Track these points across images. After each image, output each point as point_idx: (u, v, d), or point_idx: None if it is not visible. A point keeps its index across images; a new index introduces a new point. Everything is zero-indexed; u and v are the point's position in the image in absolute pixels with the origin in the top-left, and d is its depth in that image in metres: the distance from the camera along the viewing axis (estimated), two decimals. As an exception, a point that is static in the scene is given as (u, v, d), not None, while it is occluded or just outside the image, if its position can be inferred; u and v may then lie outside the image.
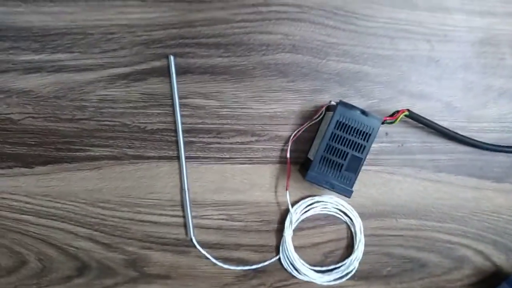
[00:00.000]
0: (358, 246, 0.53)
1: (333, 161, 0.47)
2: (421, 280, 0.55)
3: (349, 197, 0.47)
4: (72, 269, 0.55)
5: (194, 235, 0.53)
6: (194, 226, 0.54)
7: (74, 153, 0.53)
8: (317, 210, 0.53)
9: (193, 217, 0.54)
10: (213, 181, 0.53)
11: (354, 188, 0.48)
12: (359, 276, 0.55)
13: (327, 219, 0.54)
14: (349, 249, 0.54)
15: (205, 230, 0.54)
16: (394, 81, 0.52)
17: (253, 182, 0.53)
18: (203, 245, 0.54)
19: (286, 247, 0.53)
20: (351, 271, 0.53)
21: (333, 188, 0.47)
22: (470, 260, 0.55)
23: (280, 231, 0.54)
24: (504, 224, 0.54)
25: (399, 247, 0.54)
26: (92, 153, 0.53)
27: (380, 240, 0.54)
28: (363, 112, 0.46)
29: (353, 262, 0.53)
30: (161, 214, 0.54)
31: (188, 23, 0.51)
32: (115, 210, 0.54)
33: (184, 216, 0.54)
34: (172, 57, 0.51)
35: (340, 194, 0.47)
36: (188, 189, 0.53)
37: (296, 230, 0.54)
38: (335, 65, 0.52)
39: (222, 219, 0.54)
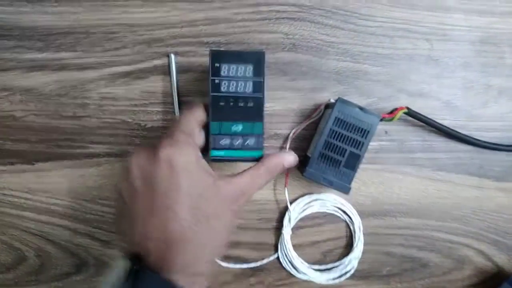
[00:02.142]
0: (357, 245, 0.53)
1: (332, 157, 0.47)
2: (422, 280, 0.55)
3: (347, 194, 0.47)
4: (71, 266, 0.55)
5: None
6: (193, 224, 0.54)
7: (75, 150, 0.53)
8: (315, 208, 0.53)
9: (192, 214, 0.54)
10: (213, 178, 0.53)
11: (354, 187, 0.47)
12: (358, 275, 0.54)
13: (326, 218, 0.54)
14: (348, 248, 0.54)
15: (204, 228, 0.54)
16: (393, 80, 0.52)
17: (252, 180, 0.53)
18: (202, 243, 0.54)
19: (285, 245, 0.53)
20: (350, 270, 0.53)
21: (331, 185, 0.47)
22: (471, 260, 0.54)
23: (279, 229, 0.54)
24: (505, 224, 0.54)
25: (399, 246, 0.54)
26: (92, 150, 0.53)
27: (379, 239, 0.54)
28: (362, 109, 0.46)
29: (352, 261, 0.53)
30: (160, 212, 0.54)
31: (189, 23, 0.52)
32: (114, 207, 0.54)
33: None
34: (173, 56, 0.51)
35: (338, 190, 0.47)
36: None
37: (294, 229, 0.54)
38: (334, 64, 0.52)
39: (221, 217, 0.54)
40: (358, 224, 0.53)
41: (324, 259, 0.54)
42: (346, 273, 0.53)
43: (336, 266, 0.54)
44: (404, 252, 0.54)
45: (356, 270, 0.54)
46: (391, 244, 0.54)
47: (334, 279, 0.53)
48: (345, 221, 0.54)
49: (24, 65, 0.52)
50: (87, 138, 0.53)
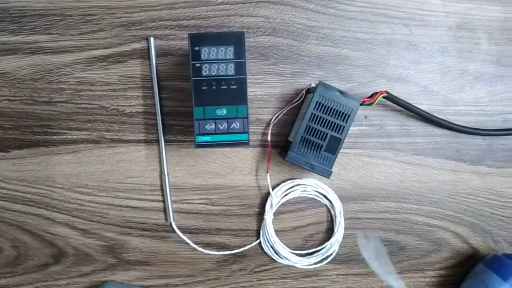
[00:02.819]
0: (338, 229, 0.53)
1: (313, 142, 0.47)
2: (400, 263, 0.56)
3: (328, 178, 0.47)
4: (48, 256, 0.54)
5: (174, 220, 0.53)
6: (174, 211, 0.53)
7: (51, 137, 0.52)
8: (297, 193, 0.53)
9: (173, 201, 0.53)
10: (194, 165, 0.53)
11: (334, 171, 0.48)
12: (339, 259, 0.55)
13: (307, 202, 0.54)
14: (329, 232, 0.54)
15: (185, 214, 0.53)
16: (373, 65, 0.53)
17: (233, 166, 0.53)
18: (183, 230, 0.53)
19: (267, 231, 0.53)
20: (332, 254, 0.54)
21: (312, 169, 0.47)
22: (448, 242, 0.56)
23: (261, 215, 0.54)
24: (480, 207, 0.55)
25: (378, 230, 0.55)
26: (69, 137, 0.52)
27: (359, 223, 0.55)
28: (342, 93, 0.46)
29: (334, 245, 0.53)
30: (140, 199, 0.53)
31: (168, 5, 0.51)
32: (93, 195, 0.53)
33: (163, 201, 0.53)
34: (152, 39, 0.50)
35: (320, 174, 0.47)
36: (167, 173, 0.52)
37: (276, 214, 0.54)
38: (315, 48, 0.52)
39: (202, 203, 0.53)
40: (338, 209, 0.53)
41: (305, 243, 0.55)
42: (327, 257, 0.54)
43: (318, 251, 0.54)
44: (383, 235, 0.55)
45: (337, 254, 0.54)
46: (370, 228, 0.55)
47: (315, 263, 0.54)
48: (326, 206, 0.54)
49: (-4, 48, 0.51)
50: (63, 124, 0.52)
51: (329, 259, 0.54)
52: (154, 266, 0.54)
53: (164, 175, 0.52)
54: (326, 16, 0.52)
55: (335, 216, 0.53)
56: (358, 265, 0.55)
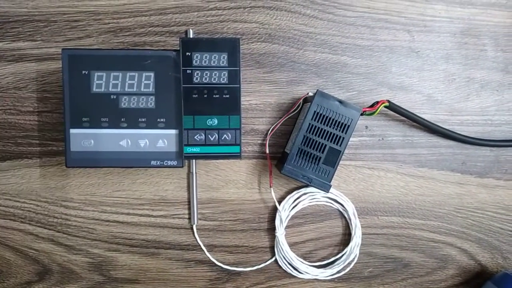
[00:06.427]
0: (355, 232, 0.50)
1: (311, 154, 0.44)
2: (404, 281, 0.53)
3: (327, 192, 0.45)
4: (32, 274, 0.51)
5: (196, 223, 0.50)
6: (164, 226, 0.50)
7: (35, 148, 0.49)
8: (305, 202, 0.50)
9: (162, 216, 0.50)
10: (185, 177, 0.50)
11: (333, 185, 0.45)
12: (339, 277, 0.52)
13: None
14: (346, 236, 0.51)
15: (176, 230, 0.51)
16: (373, 73, 0.50)
17: (227, 179, 0.50)
18: (174, 246, 0.51)
19: (281, 248, 0.50)
20: (354, 259, 0.51)
21: (310, 182, 0.44)
22: (454, 259, 0.53)
23: (256, 230, 0.51)
24: (488, 221, 0.52)
25: (381, 246, 0.52)
26: (54, 148, 0.49)
27: (361, 238, 0.52)
28: (342, 103, 0.44)
29: (354, 249, 0.50)
30: (128, 213, 0.50)
31: (158, 10, 0.48)
32: (79, 209, 0.50)
33: (189, 202, 0.50)
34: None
35: (318, 188, 0.44)
36: (195, 172, 0.50)
37: (287, 228, 0.51)
38: (312, 56, 0.50)
39: (195, 218, 0.51)
40: (352, 211, 0.50)
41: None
42: (349, 263, 0.50)
43: (338, 258, 0.51)
44: (386, 252, 0.52)
45: (338, 272, 0.51)
46: (372, 244, 0.52)
47: (339, 271, 0.51)
48: (338, 210, 0.51)
49: (-22, 56, 0.48)
50: (48, 135, 0.49)
51: (352, 264, 0.51)
52: (144, 284, 0.51)
53: (192, 174, 0.49)
54: (324, 21, 0.49)
55: (350, 219, 0.50)
56: (359, 283, 0.52)
